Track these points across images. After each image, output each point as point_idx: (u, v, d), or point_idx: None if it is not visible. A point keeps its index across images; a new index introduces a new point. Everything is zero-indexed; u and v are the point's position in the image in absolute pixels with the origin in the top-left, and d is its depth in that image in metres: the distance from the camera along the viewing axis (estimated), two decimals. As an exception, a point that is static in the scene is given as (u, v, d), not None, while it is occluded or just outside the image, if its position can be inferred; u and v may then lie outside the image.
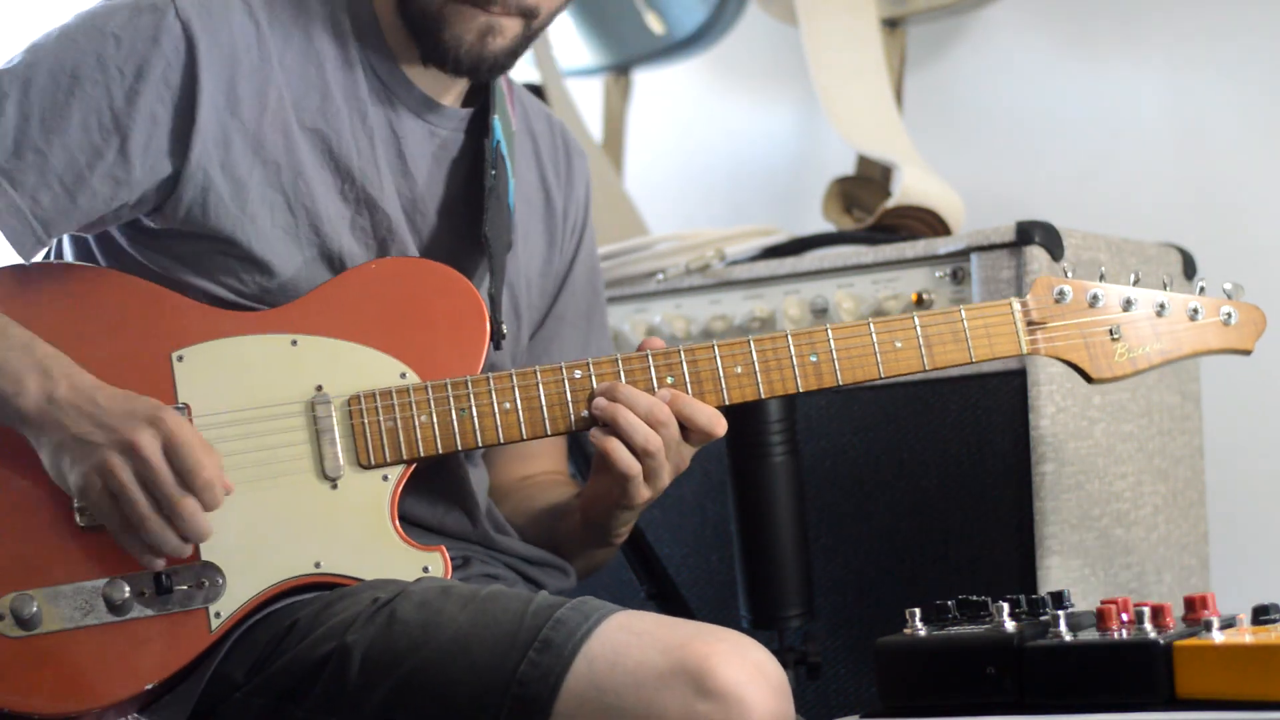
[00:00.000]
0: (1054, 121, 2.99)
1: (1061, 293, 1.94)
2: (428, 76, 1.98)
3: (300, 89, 1.91)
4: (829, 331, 1.90)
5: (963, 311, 1.91)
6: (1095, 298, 1.94)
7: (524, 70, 2.97)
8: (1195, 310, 1.96)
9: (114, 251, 1.94)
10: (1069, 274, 1.94)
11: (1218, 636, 1.63)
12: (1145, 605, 1.68)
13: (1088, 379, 1.95)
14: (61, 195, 1.84)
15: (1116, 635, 1.67)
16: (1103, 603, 1.70)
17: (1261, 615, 1.70)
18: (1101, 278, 1.95)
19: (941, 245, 2.39)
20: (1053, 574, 2.28)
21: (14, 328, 1.84)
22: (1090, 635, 1.69)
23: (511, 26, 1.92)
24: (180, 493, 1.76)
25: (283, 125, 1.89)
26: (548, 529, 2.07)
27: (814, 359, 1.89)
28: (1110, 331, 1.94)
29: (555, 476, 2.17)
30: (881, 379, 1.90)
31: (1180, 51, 2.89)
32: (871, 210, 2.74)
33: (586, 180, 2.19)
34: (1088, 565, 2.32)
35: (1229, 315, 1.97)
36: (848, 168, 2.86)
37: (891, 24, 2.93)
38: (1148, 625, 1.67)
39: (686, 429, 1.87)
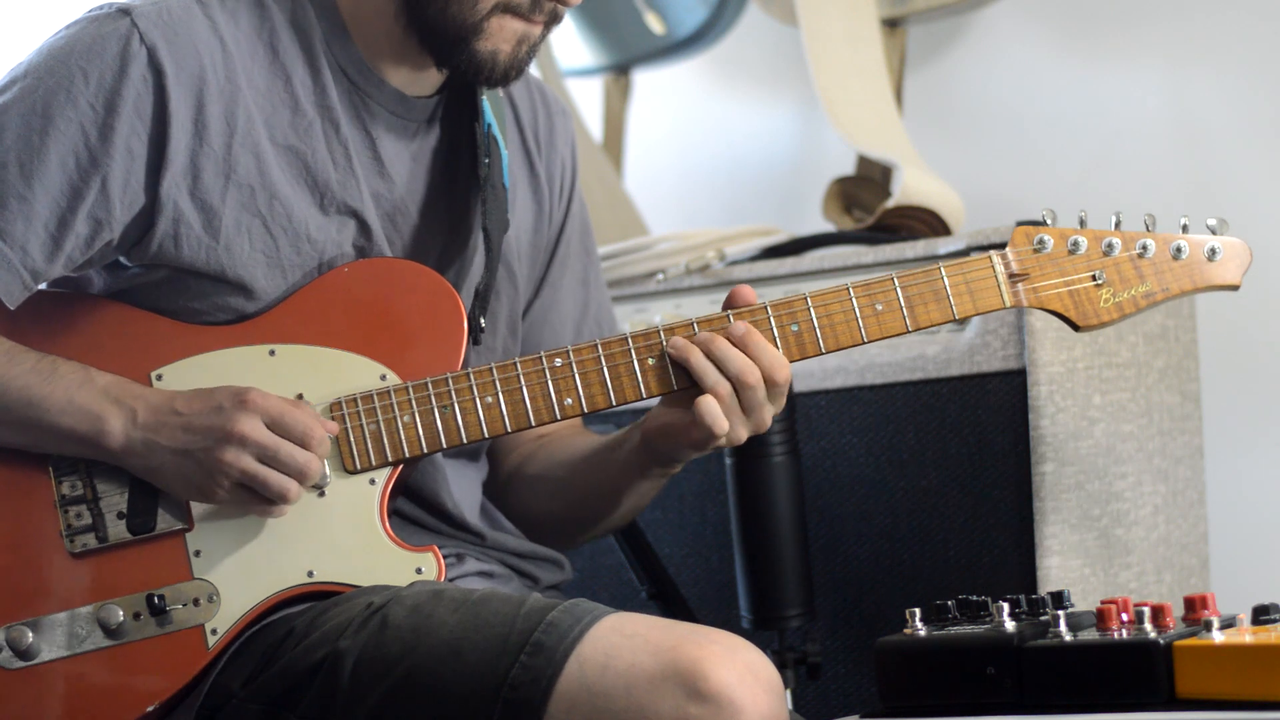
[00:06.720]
0: (1054, 121, 2.99)
1: (1041, 241, 1.88)
2: (399, 71, 1.94)
3: (270, 106, 1.87)
4: (808, 300, 1.86)
5: (942, 269, 1.87)
6: (1076, 244, 1.88)
7: (524, 70, 2.96)
8: (1179, 249, 1.89)
9: (86, 282, 1.92)
10: (1048, 221, 1.90)
11: (1218, 636, 1.63)
12: (1145, 605, 1.68)
13: (1075, 328, 1.89)
14: (48, 242, 1.81)
15: (1116, 635, 1.67)
16: (1103, 603, 1.70)
17: (1261, 615, 1.70)
18: (1082, 224, 1.90)
19: (941, 245, 2.39)
20: (1053, 574, 2.27)
21: (63, 363, 1.83)
22: (1090, 635, 1.69)
23: (540, 32, 1.90)
24: (306, 455, 1.79)
25: (253, 146, 1.86)
26: (600, 463, 2.03)
27: (795, 329, 1.86)
28: (1093, 277, 1.88)
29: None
30: (865, 342, 1.87)
31: (1180, 51, 2.89)
32: (871, 210, 2.73)
33: (571, 140, 2.14)
34: (1088, 565, 2.32)
35: (1213, 251, 1.90)
36: (848, 168, 2.86)
37: (891, 24, 2.93)
38: (1148, 625, 1.66)
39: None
